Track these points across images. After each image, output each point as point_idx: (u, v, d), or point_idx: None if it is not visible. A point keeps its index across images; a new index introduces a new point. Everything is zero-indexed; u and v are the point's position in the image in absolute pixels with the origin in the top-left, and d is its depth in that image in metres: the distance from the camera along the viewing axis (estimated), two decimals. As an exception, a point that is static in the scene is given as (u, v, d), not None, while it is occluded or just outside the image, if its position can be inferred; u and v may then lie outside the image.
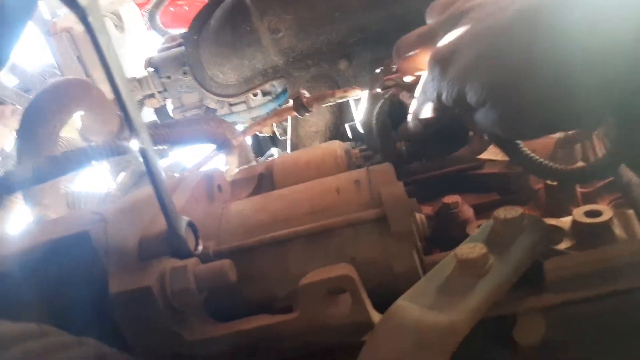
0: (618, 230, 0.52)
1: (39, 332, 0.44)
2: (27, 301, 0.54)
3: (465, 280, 0.47)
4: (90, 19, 0.42)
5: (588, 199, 0.67)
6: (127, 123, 0.48)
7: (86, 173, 1.37)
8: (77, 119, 1.16)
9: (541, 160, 0.55)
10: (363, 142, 0.87)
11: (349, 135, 0.95)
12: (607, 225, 0.52)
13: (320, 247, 0.58)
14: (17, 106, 1.99)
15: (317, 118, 1.32)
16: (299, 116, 1.08)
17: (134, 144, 0.50)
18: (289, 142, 1.36)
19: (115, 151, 0.72)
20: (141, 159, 0.50)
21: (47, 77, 2.21)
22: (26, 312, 0.50)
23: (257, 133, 1.85)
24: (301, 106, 1.03)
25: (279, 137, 1.61)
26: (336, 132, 1.33)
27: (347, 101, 1.09)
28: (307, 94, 1.03)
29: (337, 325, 0.51)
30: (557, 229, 0.55)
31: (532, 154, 0.55)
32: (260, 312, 0.56)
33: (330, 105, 1.24)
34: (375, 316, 0.50)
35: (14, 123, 2.04)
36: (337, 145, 0.82)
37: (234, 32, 1.31)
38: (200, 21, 1.38)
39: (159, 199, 0.52)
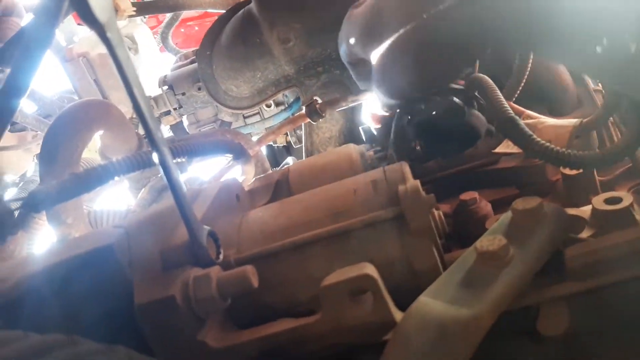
0: (639, 215, 0.52)
1: (68, 342, 0.45)
2: (55, 316, 0.55)
3: (487, 273, 0.47)
4: (109, 35, 0.43)
5: (607, 187, 0.67)
6: (147, 135, 0.49)
7: (107, 192, 1.39)
8: (96, 139, 1.18)
9: (558, 148, 0.55)
10: (377, 143, 0.87)
11: (363, 137, 0.95)
12: (627, 211, 0.51)
13: (340, 248, 0.58)
14: (38, 132, 2.02)
15: (330, 124, 1.32)
16: (313, 122, 1.08)
17: (154, 157, 0.50)
18: (304, 149, 1.37)
19: (137, 164, 0.73)
20: (162, 171, 0.51)
21: (65, 102, 2.24)
22: (54, 327, 0.50)
23: (272, 144, 1.87)
24: (314, 112, 1.04)
25: (294, 146, 1.62)
26: (350, 136, 1.33)
27: (360, 105, 1.09)
28: (319, 100, 1.04)
29: (360, 325, 0.51)
30: (578, 218, 0.55)
31: (548, 144, 0.55)
32: (282, 317, 0.56)
33: (343, 110, 1.24)
34: (398, 314, 0.50)
35: (35, 148, 2.08)
36: (351, 148, 0.82)
37: (245, 45, 1.33)
38: (211, 37, 1.39)
39: (180, 209, 0.53)
